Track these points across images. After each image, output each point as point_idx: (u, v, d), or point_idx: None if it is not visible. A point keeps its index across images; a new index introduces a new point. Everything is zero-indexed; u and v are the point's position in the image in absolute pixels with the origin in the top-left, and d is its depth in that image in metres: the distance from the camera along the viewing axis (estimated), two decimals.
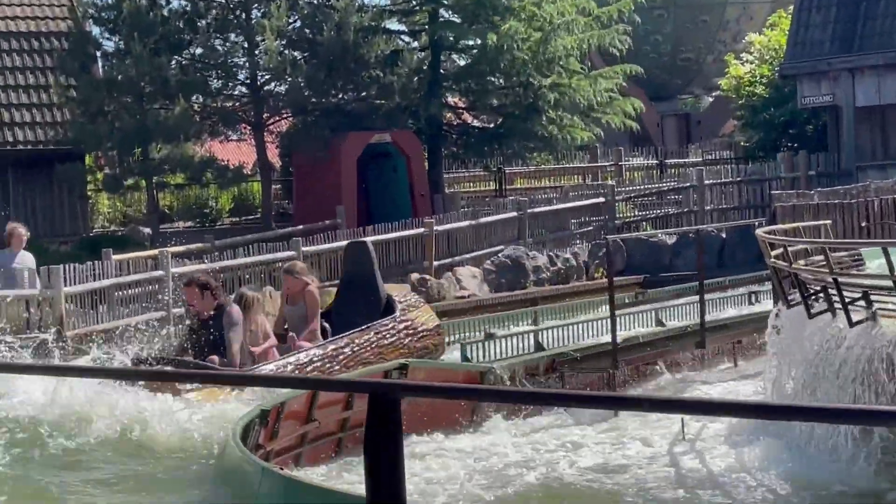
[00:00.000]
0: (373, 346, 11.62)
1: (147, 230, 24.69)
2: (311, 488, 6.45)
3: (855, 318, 8.95)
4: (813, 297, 9.77)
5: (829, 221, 13.77)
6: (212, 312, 11.12)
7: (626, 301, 13.27)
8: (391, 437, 2.72)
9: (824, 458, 9.28)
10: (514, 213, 24.21)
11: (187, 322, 11.19)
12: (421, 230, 22.29)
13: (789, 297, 10.39)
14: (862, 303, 8.90)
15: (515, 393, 3.10)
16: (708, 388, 12.87)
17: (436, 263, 22.16)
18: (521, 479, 9.74)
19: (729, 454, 9.99)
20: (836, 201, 14.97)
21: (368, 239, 16.93)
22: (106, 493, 8.99)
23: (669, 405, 2.55)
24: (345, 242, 21.28)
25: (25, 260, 16.39)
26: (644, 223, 26.55)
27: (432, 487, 9.49)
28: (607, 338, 12.18)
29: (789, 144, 30.12)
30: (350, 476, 9.63)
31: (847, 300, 8.96)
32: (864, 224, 15.38)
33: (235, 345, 10.97)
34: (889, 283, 8.28)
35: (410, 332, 11.94)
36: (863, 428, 8.77)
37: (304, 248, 20.40)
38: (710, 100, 39.23)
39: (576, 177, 31.30)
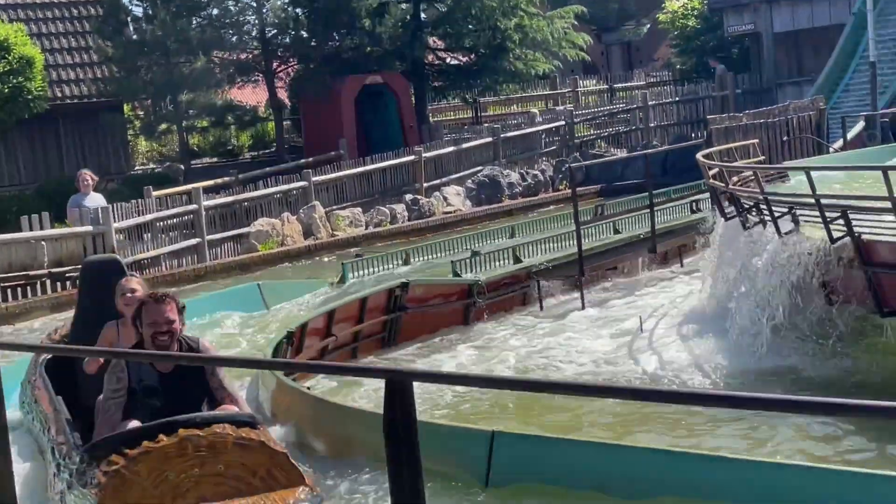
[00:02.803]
0: None
1: (181, 166, 24.41)
2: (328, 405, 6.37)
3: (783, 229, 8.86)
4: (746, 212, 9.67)
5: (756, 140, 13.63)
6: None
7: (588, 219, 13.10)
8: (406, 416, 2.63)
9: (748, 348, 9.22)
10: (490, 139, 23.99)
11: (118, 385, 5.54)
12: (412, 157, 22.08)
13: (726, 212, 10.29)
14: (789, 216, 8.80)
15: (527, 382, 2.96)
16: (658, 287, 12.81)
17: (425, 185, 21.99)
18: (504, 369, 9.73)
19: (679, 346, 9.93)
20: (762, 121, 14.79)
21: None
22: None
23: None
24: (349, 171, 21.19)
25: (96, 200, 16.24)
26: (598, 140, 26.39)
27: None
28: (574, 248, 12.06)
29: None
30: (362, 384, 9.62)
31: (776, 214, 8.86)
32: (785, 138, 15.25)
33: (235, 384, 6.19)
34: (811, 200, 8.16)
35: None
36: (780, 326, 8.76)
37: (314, 179, 20.19)
38: (646, 28, 38.69)
39: (539, 102, 30.96)
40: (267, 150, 27.36)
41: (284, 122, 26.99)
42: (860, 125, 19.69)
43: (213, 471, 5.08)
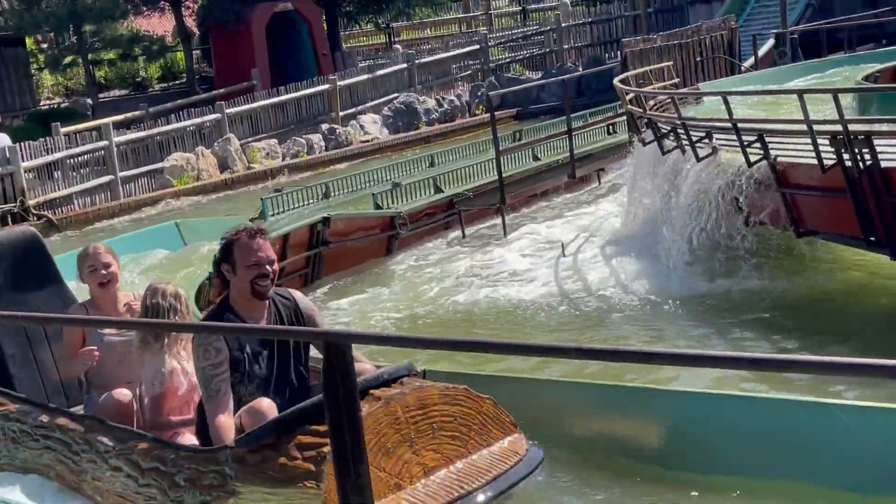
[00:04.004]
0: None
1: (88, 100, 23.75)
2: None
3: (701, 153, 8.92)
4: (664, 137, 9.71)
5: (671, 63, 13.67)
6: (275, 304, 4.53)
7: (507, 145, 13.07)
8: (345, 378, 2.60)
9: (669, 270, 9.33)
10: (405, 65, 23.72)
11: (218, 358, 4.29)
12: (326, 86, 21.76)
13: (644, 137, 10.33)
14: (706, 141, 8.87)
15: (468, 343, 2.94)
16: (578, 210, 12.89)
17: (341, 114, 21.72)
18: (428, 298, 9.75)
19: (601, 270, 10.01)
20: (675, 42, 14.82)
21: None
22: None
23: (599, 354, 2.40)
24: (264, 102, 20.80)
25: (1, 140, 15.79)
26: (514, 63, 26.27)
27: (366, 309, 9.43)
28: (494, 176, 12.04)
29: None
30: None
31: (694, 139, 8.92)
32: (698, 59, 15.31)
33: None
34: (728, 124, 8.22)
35: None
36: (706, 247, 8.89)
37: (227, 111, 19.80)
38: None
39: (452, 25, 30.70)
40: (177, 82, 26.73)
41: (194, 52, 26.35)
42: (770, 43, 19.89)
43: (429, 433, 4.11)
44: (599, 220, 11.77)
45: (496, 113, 14.45)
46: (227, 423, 4.22)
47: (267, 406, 4.21)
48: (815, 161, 7.43)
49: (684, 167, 9.34)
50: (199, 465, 4.17)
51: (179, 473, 4.21)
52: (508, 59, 26.34)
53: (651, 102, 10.49)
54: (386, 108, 22.26)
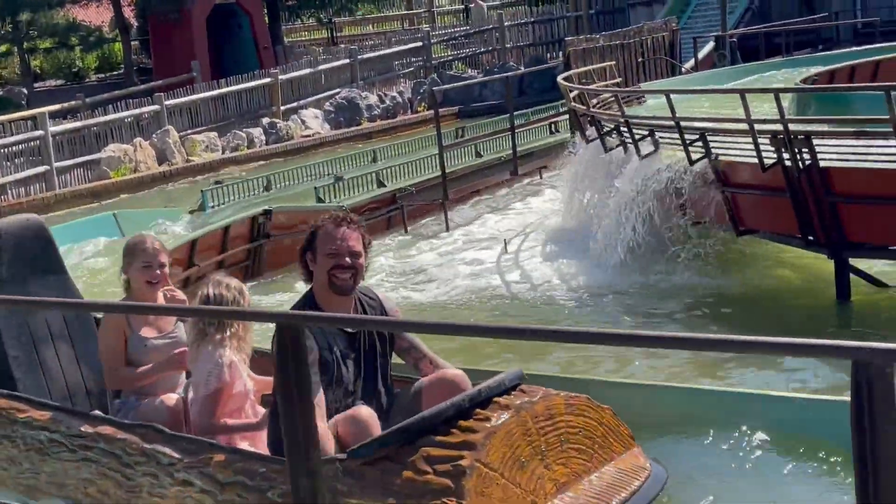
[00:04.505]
0: None
1: (23, 90, 23.32)
2: None
3: (643, 151, 9.01)
4: (607, 135, 9.80)
5: (613, 63, 13.80)
6: (361, 304, 4.17)
7: (450, 142, 13.08)
8: (297, 359, 2.59)
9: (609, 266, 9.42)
10: (347, 60, 23.65)
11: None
12: (268, 80, 21.61)
13: (587, 135, 10.41)
14: (649, 139, 8.96)
15: (431, 325, 2.93)
16: (520, 205, 12.96)
17: (282, 108, 21.59)
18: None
19: (543, 265, 10.08)
20: (618, 42, 14.97)
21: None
22: None
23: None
24: (204, 94, 20.59)
25: None
26: (456, 61, 26.32)
27: None
28: (437, 171, 12.06)
29: None
30: None
31: (637, 137, 9.00)
32: (640, 59, 15.49)
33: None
34: (671, 122, 8.31)
35: None
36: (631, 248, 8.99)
37: (166, 102, 19.56)
38: None
39: (395, 22, 30.67)
40: (115, 73, 26.35)
41: (132, 43, 26.00)
42: (710, 46, 20.17)
43: (557, 445, 3.77)
44: (541, 216, 11.84)
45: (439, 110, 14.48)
46: (324, 431, 3.71)
47: (367, 415, 3.80)
48: (755, 160, 7.54)
49: (625, 165, 9.44)
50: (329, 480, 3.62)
51: (272, 489, 3.73)
52: (451, 57, 26.38)
53: (594, 101, 10.59)
54: (328, 104, 22.17)
